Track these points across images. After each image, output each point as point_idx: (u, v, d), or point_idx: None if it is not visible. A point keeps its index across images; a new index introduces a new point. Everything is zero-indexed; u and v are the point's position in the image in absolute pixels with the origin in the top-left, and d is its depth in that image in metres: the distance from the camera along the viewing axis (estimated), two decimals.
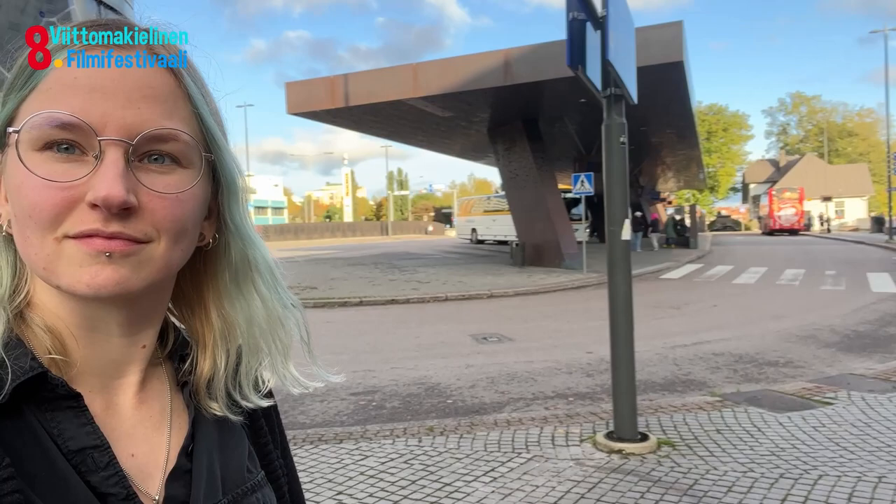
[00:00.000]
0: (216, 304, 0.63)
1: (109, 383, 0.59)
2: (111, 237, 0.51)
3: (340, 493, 3.89)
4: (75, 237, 0.51)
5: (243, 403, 0.65)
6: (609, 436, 4.63)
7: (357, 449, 4.64)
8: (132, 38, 0.54)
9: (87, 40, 0.52)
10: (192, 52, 0.60)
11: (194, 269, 0.62)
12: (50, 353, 0.54)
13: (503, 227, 29.14)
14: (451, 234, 61.30)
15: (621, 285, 4.54)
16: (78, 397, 0.54)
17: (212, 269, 0.63)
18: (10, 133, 0.52)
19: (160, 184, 0.53)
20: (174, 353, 0.65)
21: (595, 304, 11.91)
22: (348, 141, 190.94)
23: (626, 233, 4.48)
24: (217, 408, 0.64)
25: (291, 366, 0.68)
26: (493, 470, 4.21)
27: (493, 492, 3.86)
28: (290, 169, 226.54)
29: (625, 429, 4.55)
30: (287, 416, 5.76)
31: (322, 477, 4.13)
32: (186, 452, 0.60)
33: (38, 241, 0.51)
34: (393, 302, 13.19)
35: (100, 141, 0.51)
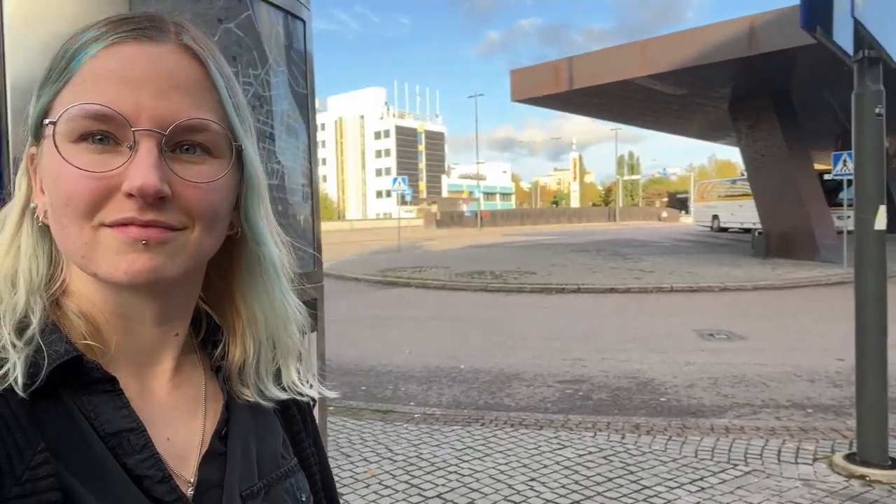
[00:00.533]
0: (240, 294, 0.64)
1: (144, 370, 0.59)
2: (147, 225, 0.52)
3: (533, 479, 3.88)
4: (111, 225, 0.52)
5: (266, 393, 0.66)
6: (850, 458, 3.95)
7: (556, 438, 4.59)
8: (160, 31, 0.55)
9: (117, 34, 0.54)
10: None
11: (221, 258, 0.62)
12: (85, 339, 0.55)
13: (752, 214, 26.36)
14: (686, 220, 57.33)
15: (871, 282, 3.81)
16: (113, 381, 0.54)
17: (236, 261, 0.63)
18: (46, 125, 0.53)
19: (192, 173, 0.54)
20: (207, 339, 0.65)
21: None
22: (577, 125, 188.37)
23: (881, 221, 3.74)
24: (249, 394, 0.65)
25: (294, 369, 0.67)
26: (701, 479, 3.86)
27: (697, 503, 3.54)
28: (518, 155, 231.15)
29: (871, 451, 3.85)
30: (494, 396, 5.91)
31: (517, 461, 4.16)
32: (220, 436, 0.61)
33: (76, 229, 0.52)
34: (612, 290, 12.76)
35: (134, 132, 0.52)
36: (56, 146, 0.52)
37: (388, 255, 22.50)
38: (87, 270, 0.54)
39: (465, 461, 4.19)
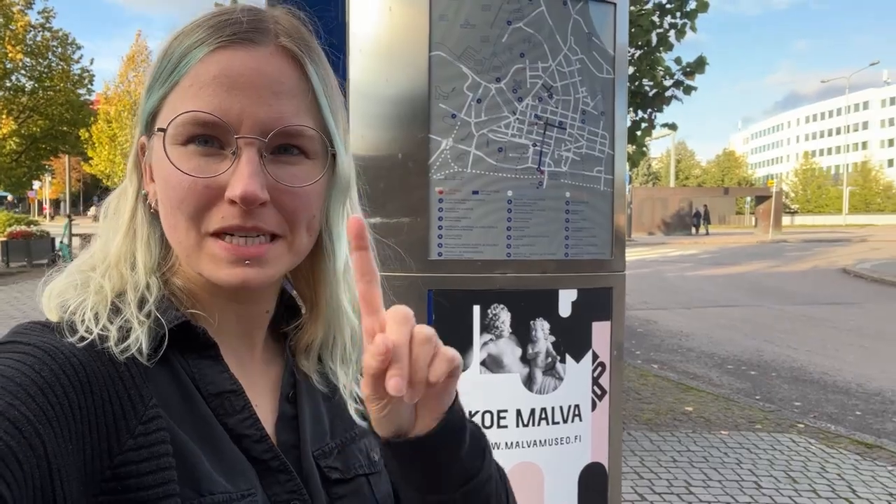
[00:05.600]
0: (320, 280, 0.66)
1: (238, 341, 0.63)
2: (250, 230, 0.56)
3: None
4: (216, 234, 0.56)
5: (330, 376, 0.67)
6: None
7: None
8: (261, 33, 0.57)
9: (220, 40, 0.56)
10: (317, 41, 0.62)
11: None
12: (189, 310, 0.59)
13: None
14: None
15: None
16: (216, 346, 0.58)
17: (316, 248, 0.64)
18: (157, 131, 0.57)
19: (288, 176, 0.57)
20: (280, 314, 0.68)
21: None
22: None
23: None
24: (307, 367, 0.67)
25: (342, 370, 0.67)
26: None
27: None
28: None
29: None
30: None
31: None
32: (288, 399, 0.64)
33: (184, 231, 0.57)
34: None
35: (236, 139, 0.55)
36: (165, 150, 0.56)
37: None
38: (191, 269, 0.59)
39: None
